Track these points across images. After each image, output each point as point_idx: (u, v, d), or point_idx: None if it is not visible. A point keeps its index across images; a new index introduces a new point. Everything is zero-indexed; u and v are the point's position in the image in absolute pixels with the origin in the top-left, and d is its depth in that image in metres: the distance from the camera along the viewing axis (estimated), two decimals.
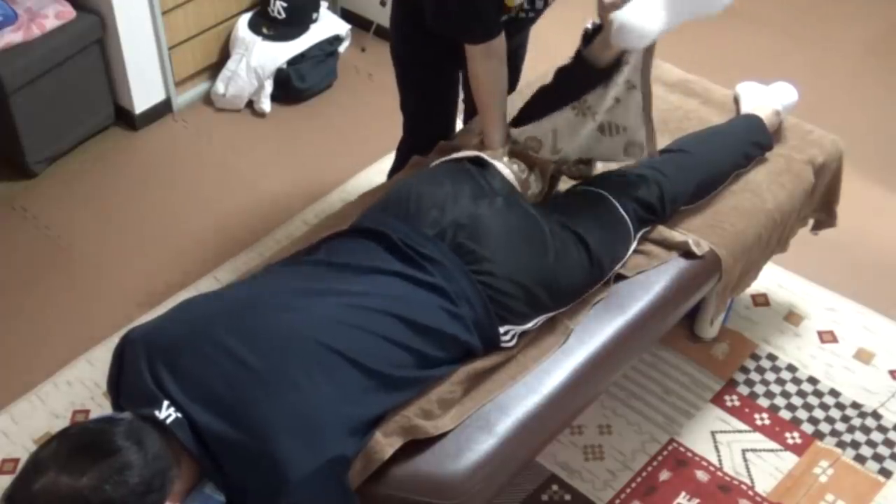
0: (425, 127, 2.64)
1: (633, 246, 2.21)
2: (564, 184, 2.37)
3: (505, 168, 2.21)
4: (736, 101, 2.62)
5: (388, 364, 1.77)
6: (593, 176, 2.32)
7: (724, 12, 2.11)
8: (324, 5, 3.73)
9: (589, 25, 2.20)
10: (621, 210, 2.18)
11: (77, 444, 1.49)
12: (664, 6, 2.03)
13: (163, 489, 1.51)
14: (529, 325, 2.00)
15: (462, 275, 1.92)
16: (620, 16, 2.01)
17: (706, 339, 2.72)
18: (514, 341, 1.98)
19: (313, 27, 3.63)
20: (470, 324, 1.89)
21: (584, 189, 2.26)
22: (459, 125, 2.79)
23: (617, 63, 2.14)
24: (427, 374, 1.84)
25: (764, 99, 2.55)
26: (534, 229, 2.04)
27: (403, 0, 2.45)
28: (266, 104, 3.56)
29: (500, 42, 2.23)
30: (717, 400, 2.58)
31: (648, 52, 2.13)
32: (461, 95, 2.69)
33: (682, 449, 2.47)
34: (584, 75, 2.18)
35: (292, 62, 3.57)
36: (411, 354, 1.80)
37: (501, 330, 1.95)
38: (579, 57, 2.20)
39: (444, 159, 2.24)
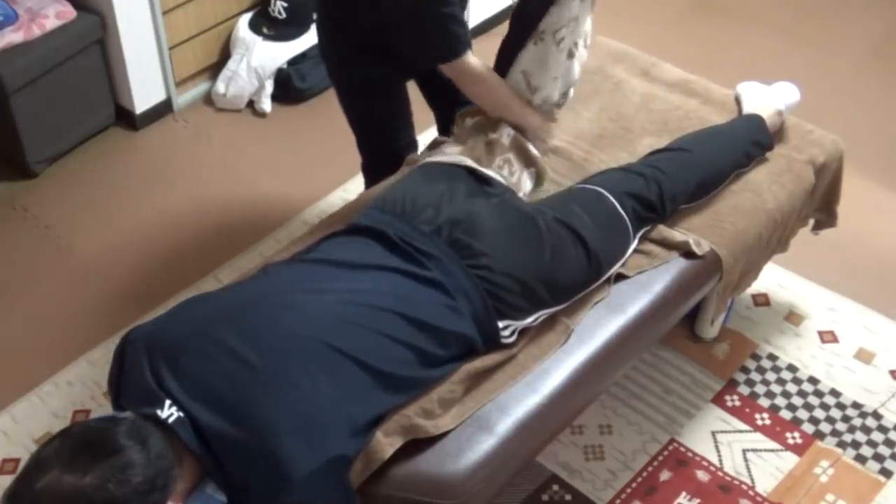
0: (382, 148, 2.58)
1: (634, 245, 2.21)
2: (562, 184, 2.38)
3: (495, 175, 2.22)
4: (737, 101, 2.62)
5: (390, 362, 1.77)
6: (591, 173, 2.33)
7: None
8: None
9: None
10: (619, 208, 2.18)
11: (80, 442, 1.49)
12: None
13: (165, 488, 1.51)
14: (529, 320, 2.00)
15: (459, 269, 1.93)
16: None
17: (707, 339, 2.72)
18: (514, 337, 1.98)
19: (314, 27, 3.63)
20: (469, 318, 1.90)
21: (581, 187, 2.26)
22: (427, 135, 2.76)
23: None
24: (428, 374, 1.84)
25: (766, 99, 2.55)
26: (530, 226, 2.04)
27: (327, 25, 2.41)
28: (267, 104, 3.56)
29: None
30: (718, 400, 2.58)
31: None
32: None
33: (682, 449, 2.47)
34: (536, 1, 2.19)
35: (293, 62, 3.57)
36: (412, 352, 1.81)
37: (500, 325, 1.95)
38: None
39: (433, 160, 2.24)
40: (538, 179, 2.34)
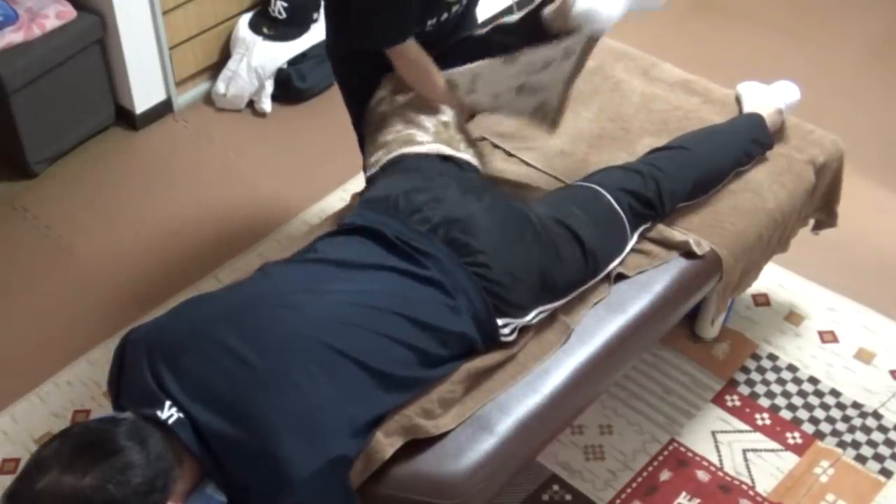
0: None
1: (632, 242, 2.20)
2: (559, 182, 2.38)
3: (471, 159, 2.24)
4: (738, 100, 2.62)
5: (390, 362, 1.77)
6: (590, 172, 2.34)
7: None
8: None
9: None
10: (616, 205, 2.17)
11: (79, 443, 1.49)
12: None
13: (165, 489, 1.52)
14: (528, 317, 1.99)
15: (457, 267, 1.92)
16: (587, 1, 2.09)
17: (707, 339, 2.72)
18: (513, 336, 1.98)
19: (314, 27, 3.63)
20: (468, 317, 1.89)
21: (579, 185, 2.26)
22: None
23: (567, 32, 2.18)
24: (429, 373, 1.84)
25: (766, 98, 2.55)
26: (525, 224, 2.04)
27: (333, 22, 2.42)
28: (267, 104, 3.56)
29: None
30: (718, 400, 2.58)
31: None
32: None
33: (682, 449, 2.47)
34: (528, 36, 2.21)
35: (293, 62, 3.57)
36: (413, 352, 1.81)
37: (500, 322, 1.95)
38: (532, 19, 2.21)
39: (411, 151, 2.23)
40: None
